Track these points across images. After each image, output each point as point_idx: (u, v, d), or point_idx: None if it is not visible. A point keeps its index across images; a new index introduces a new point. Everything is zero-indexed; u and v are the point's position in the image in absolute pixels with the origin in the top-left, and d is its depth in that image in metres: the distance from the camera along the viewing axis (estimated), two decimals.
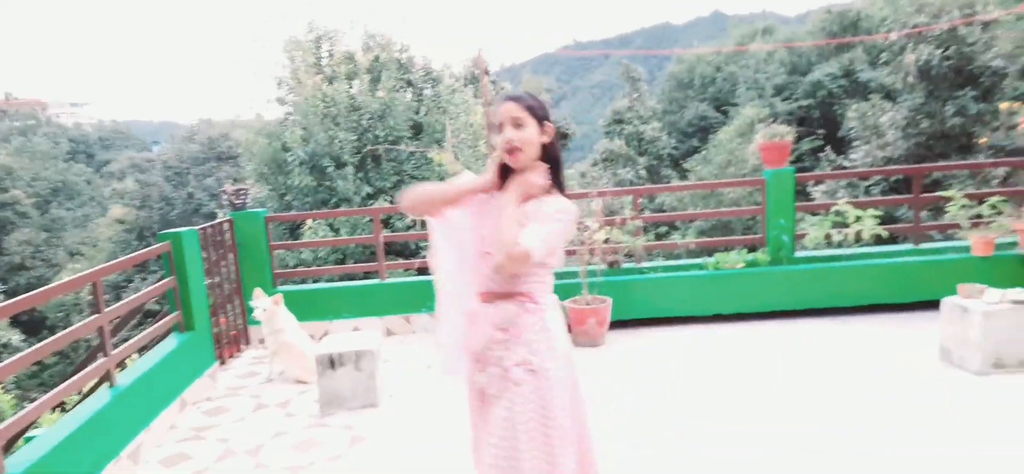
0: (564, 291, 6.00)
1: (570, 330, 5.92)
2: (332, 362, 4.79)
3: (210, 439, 4.52)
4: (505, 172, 2.31)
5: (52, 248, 33.37)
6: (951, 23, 10.92)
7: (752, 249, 6.54)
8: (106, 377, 4.23)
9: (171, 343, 5.10)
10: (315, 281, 8.86)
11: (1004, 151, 11.51)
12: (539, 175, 2.26)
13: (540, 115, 2.27)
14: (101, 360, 4.17)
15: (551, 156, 2.31)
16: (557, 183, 2.32)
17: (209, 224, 6.07)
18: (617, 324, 6.03)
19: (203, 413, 4.98)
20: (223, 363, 5.95)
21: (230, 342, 6.19)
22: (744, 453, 3.78)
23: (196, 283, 5.43)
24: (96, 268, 4.33)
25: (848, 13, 21.63)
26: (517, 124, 2.23)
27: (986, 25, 11.48)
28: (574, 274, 6.00)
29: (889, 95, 15.19)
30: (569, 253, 6.05)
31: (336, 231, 11.67)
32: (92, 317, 4.18)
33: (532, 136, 2.24)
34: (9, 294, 26.59)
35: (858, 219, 6.21)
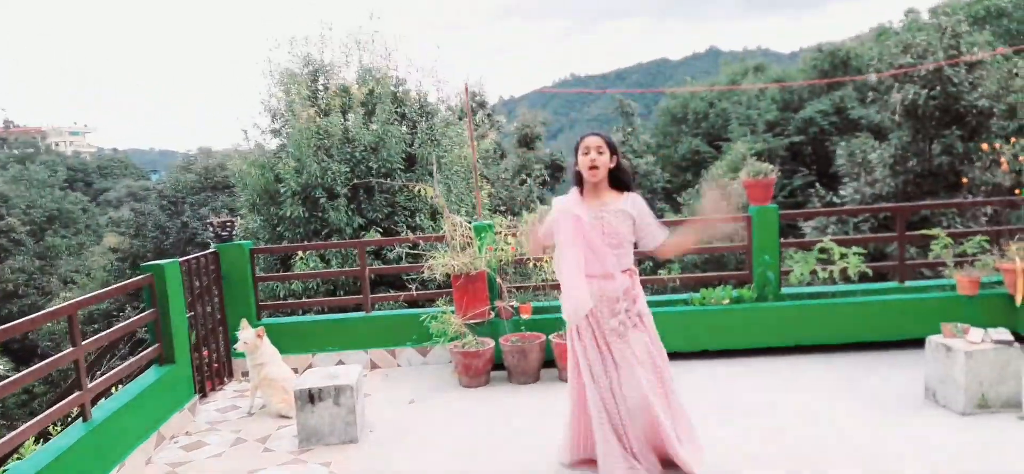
0: (546, 326, 5.98)
1: (554, 364, 5.89)
2: (311, 397, 4.74)
3: None
4: (580, 181, 3.66)
5: (46, 276, 33.22)
6: (937, 63, 11.06)
7: (739, 285, 6.53)
8: (81, 412, 4.18)
9: (150, 376, 5.06)
10: (305, 313, 8.81)
11: (988, 189, 11.59)
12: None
13: (613, 149, 3.61)
14: (76, 394, 4.13)
15: (618, 175, 3.65)
16: (627, 186, 3.69)
17: (193, 256, 6.05)
18: None
19: (180, 447, 4.92)
20: (205, 396, 5.89)
21: (213, 375, 6.14)
22: None
23: (177, 315, 5.40)
24: (72, 301, 4.31)
25: (838, 52, 21.84)
26: (599, 151, 3.55)
27: (971, 66, 11.62)
28: (557, 308, 5.97)
29: (879, 133, 15.32)
30: (556, 287, 6.06)
31: (327, 263, 11.64)
32: (68, 350, 4.15)
33: (606, 162, 3.56)
34: (1, 322, 26.36)
35: (843, 256, 6.22)
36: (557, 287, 5.92)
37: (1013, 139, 6.16)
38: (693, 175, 23.39)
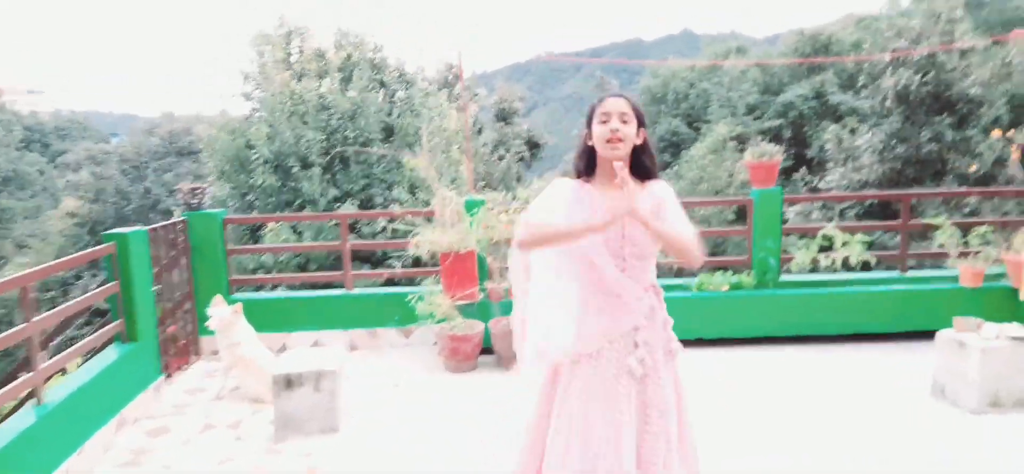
0: None
1: None
2: (289, 382, 4.37)
3: (149, 464, 4.08)
4: (591, 163, 2.59)
5: None
6: (930, 49, 10.94)
7: (735, 272, 6.29)
8: (32, 394, 3.77)
9: (110, 355, 4.63)
10: (274, 288, 8.39)
11: (971, 179, 11.59)
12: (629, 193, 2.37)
13: (641, 119, 2.55)
14: (25, 377, 3.71)
15: (641, 157, 2.56)
16: (651, 174, 2.59)
17: (160, 224, 5.60)
18: None
19: (144, 433, 4.52)
20: (170, 376, 5.47)
21: (178, 353, 5.71)
22: None
23: (142, 289, 4.96)
24: (24, 272, 3.86)
25: (820, 36, 21.79)
26: (624, 119, 2.49)
27: (963, 53, 11.56)
28: None
29: (861, 119, 15.26)
30: None
31: (299, 235, 11.17)
32: (19, 327, 3.71)
33: (632, 133, 2.51)
34: None
35: (845, 244, 6.00)
36: None
37: None
38: (672, 156, 23.21)
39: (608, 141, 2.47)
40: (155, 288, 5.27)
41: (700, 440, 3.24)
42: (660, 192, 2.52)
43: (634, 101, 2.55)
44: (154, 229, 5.39)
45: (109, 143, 48.33)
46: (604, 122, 2.49)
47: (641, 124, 2.54)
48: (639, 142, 2.53)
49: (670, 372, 2.61)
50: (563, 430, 2.55)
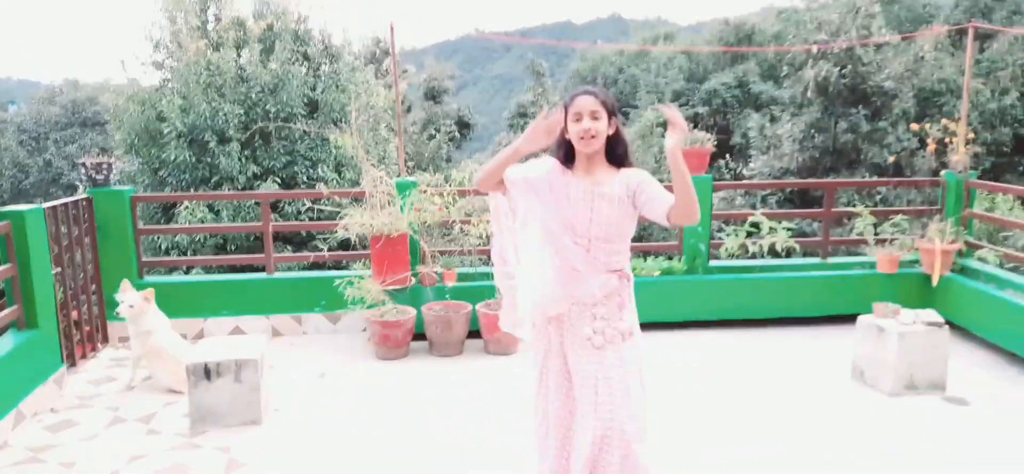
0: (472, 294, 5.56)
1: (479, 336, 5.50)
2: (207, 372, 4.11)
3: (50, 462, 3.75)
4: (569, 154, 2.76)
5: None
6: (849, 42, 11.41)
7: (668, 257, 6.35)
8: None
9: (6, 343, 4.24)
10: (189, 271, 7.94)
11: (890, 170, 12.17)
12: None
13: (611, 111, 2.71)
14: None
15: (616, 146, 2.75)
16: (625, 159, 2.78)
17: (61, 202, 5.16)
18: None
19: (44, 428, 4.16)
20: (74, 365, 5.07)
21: (84, 340, 5.31)
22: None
23: (41, 271, 4.56)
24: None
25: (743, 26, 22.42)
26: (595, 117, 2.65)
27: (879, 47, 12.10)
28: (487, 276, 5.55)
29: (782, 108, 15.77)
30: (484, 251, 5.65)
31: (217, 214, 10.63)
32: None
33: (604, 127, 2.68)
34: None
35: (772, 230, 6.14)
36: (486, 252, 5.50)
37: (945, 121, 6.26)
38: None
39: (581, 138, 2.65)
40: (56, 270, 4.86)
41: None
42: (635, 177, 2.70)
43: (603, 96, 2.71)
44: (54, 207, 4.96)
45: (6, 111, 44.91)
46: (577, 120, 2.66)
47: (612, 114, 2.72)
48: (611, 132, 2.71)
49: (622, 352, 2.77)
50: (533, 380, 2.94)
